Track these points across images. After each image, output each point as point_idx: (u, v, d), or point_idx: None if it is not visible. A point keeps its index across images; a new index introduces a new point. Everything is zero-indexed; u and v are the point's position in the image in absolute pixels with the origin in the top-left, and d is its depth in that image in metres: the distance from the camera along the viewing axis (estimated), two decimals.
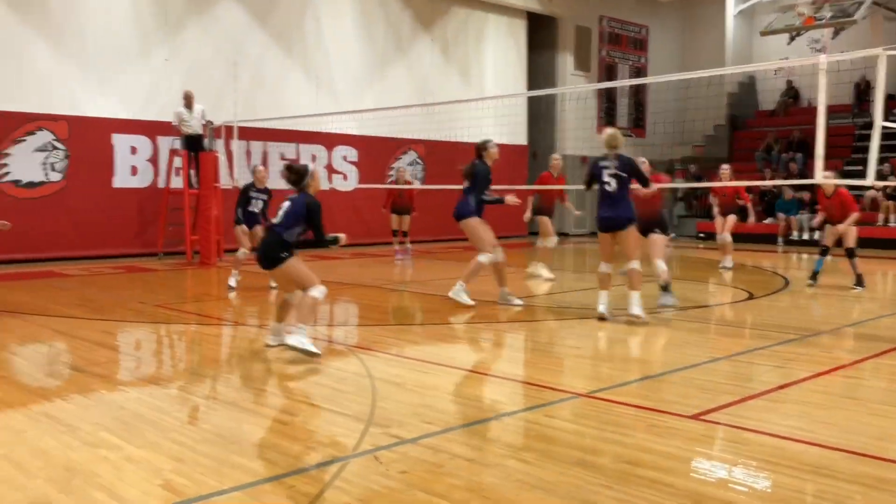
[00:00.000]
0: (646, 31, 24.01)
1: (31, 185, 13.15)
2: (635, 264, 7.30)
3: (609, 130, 7.51)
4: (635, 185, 7.51)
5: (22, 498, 3.24)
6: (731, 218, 12.31)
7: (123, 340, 7.09)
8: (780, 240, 17.92)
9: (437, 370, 5.77)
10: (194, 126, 13.54)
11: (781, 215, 18.26)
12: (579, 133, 20.33)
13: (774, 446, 3.91)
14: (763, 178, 18.61)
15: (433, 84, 18.64)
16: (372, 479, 3.46)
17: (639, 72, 23.78)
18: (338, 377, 5.48)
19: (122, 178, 14.10)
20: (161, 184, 14.39)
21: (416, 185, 16.95)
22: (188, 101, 13.48)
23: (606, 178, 7.31)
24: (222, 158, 14.12)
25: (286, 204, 5.98)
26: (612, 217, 7.34)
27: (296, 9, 16.37)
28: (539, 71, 21.68)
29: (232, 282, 9.75)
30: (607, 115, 22.98)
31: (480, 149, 8.48)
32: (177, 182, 14.20)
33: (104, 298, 9.32)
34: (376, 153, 17.71)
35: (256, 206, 9.87)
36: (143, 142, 14.31)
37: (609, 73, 22.95)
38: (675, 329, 7.34)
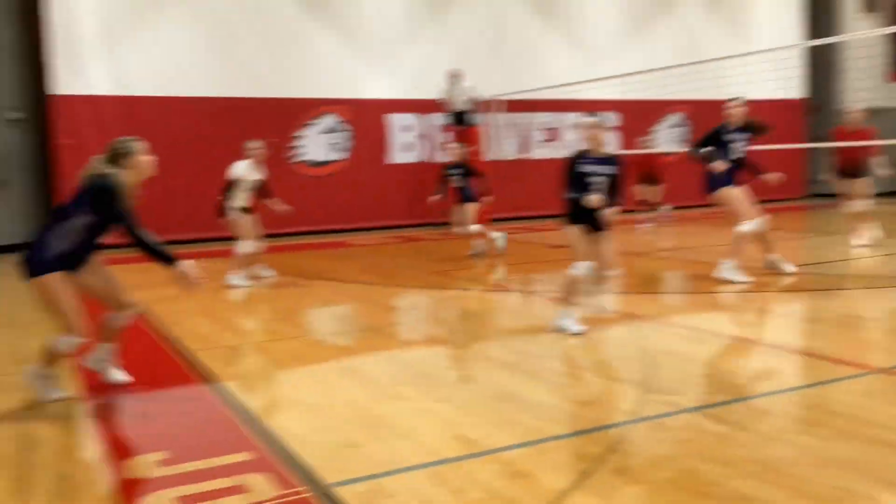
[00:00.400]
0: None
1: (320, 163, 14.58)
2: None
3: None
4: None
5: (338, 440, 3.68)
6: None
7: (408, 304, 7.69)
8: None
9: (715, 339, 5.60)
10: (460, 102, 14.16)
11: None
12: (867, 83, 18.29)
13: None
14: None
15: (698, 40, 17.75)
16: (656, 445, 3.49)
17: None
18: (613, 344, 5.53)
19: (396, 155, 15.15)
20: (430, 158, 15.26)
21: (658, 151, 16.31)
22: (455, 79, 14.10)
23: None
24: (487, 131, 14.63)
25: None
26: None
27: None
28: (818, 15, 19.74)
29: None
30: None
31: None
32: (445, 156, 14.95)
33: (388, 266, 10.15)
34: (639, 118, 17.28)
35: (456, 183, 10.47)
36: (414, 120, 15.24)
37: None
38: None
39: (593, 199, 5.51)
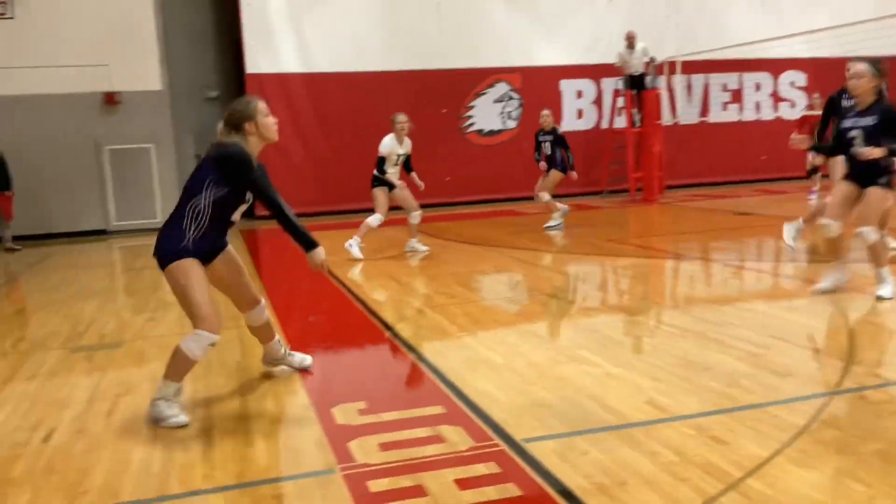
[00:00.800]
0: None
1: (491, 132, 14.69)
2: None
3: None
4: None
5: (527, 401, 3.76)
6: None
7: (583, 271, 7.66)
8: None
9: None
10: (636, 65, 13.75)
11: None
12: None
13: None
14: None
15: None
16: (861, 417, 3.30)
17: None
18: (811, 313, 5.26)
19: (569, 122, 14.97)
20: (604, 124, 14.97)
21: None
22: (630, 42, 13.72)
23: None
24: (664, 95, 14.15)
25: None
26: None
27: None
28: None
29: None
30: None
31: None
32: (619, 122, 14.64)
33: (558, 235, 10.12)
34: (828, 76, 16.04)
35: (546, 149, 10.21)
36: (587, 85, 15.00)
37: None
38: None
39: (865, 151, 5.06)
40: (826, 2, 15.85)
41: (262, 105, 3.85)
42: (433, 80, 14.26)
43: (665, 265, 7.81)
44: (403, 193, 8.50)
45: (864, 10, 15.32)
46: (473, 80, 14.52)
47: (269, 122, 3.84)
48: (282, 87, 13.61)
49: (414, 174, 8.65)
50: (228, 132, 3.80)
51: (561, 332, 5.13)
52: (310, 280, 7.17)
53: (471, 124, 14.62)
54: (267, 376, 4.37)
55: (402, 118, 8.34)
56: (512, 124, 14.81)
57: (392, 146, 8.32)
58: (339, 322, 5.85)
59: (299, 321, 5.97)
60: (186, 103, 13.88)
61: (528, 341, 4.87)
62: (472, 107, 14.59)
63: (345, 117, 13.89)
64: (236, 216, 3.91)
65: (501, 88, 14.69)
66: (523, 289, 6.93)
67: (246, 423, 3.65)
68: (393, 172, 8.42)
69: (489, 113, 14.67)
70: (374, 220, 8.45)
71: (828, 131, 7.51)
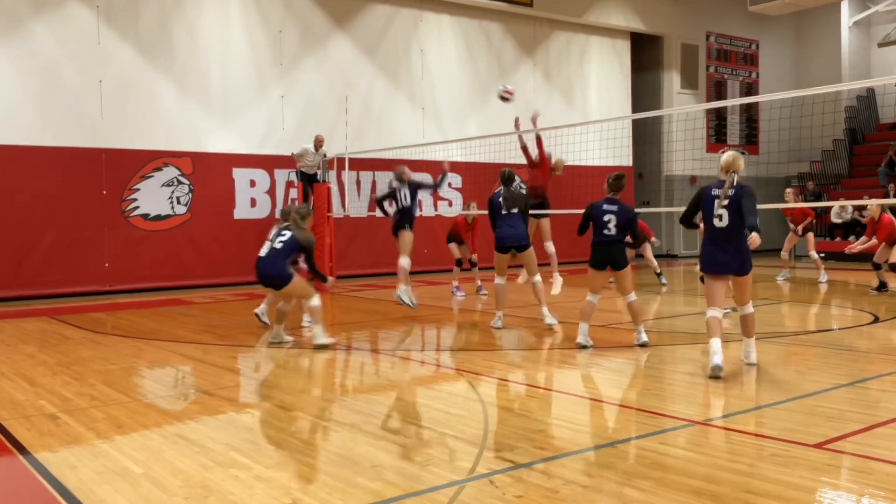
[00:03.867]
0: (756, 46, 23.36)
1: (158, 217, 14.00)
2: (750, 308, 6.54)
3: (729, 152, 6.34)
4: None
5: None
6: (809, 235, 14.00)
7: (246, 365, 7.45)
8: None
9: (547, 395, 5.79)
10: (312, 167, 14.18)
11: None
12: (688, 153, 19.94)
13: None
14: (886, 195, 17.69)
15: (536, 108, 18.73)
16: (488, 502, 3.53)
17: (750, 87, 23.13)
18: (449, 401, 5.60)
19: (242, 210, 14.82)
20: (278, 214, 15.01)
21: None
22: (318, 145, 14.10)
23: (718, 211, 6.16)
24: (334, 189, 14.65)
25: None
26: (726, 262, 6.26)
27: (402, 40, 16.87)
28: (644, 90, 21.45)
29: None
30: (717, 133, 22.44)
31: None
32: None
33: (228, 325, 9.81)
34: (480, 179, 17.89)
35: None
36: (261, 175, 15.03)
37: (718, 89, 22.45)
38: (797, 355, 7.09)
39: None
40: (478, 114, 17.80)
41: None
42: (93, 159, 13.31)
43: (332, 356, 7.89)
44: None
45: (508, 123, 17.52)
46: (139, 162, 13.80)
47: None
48: None
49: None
50: None
51: (214, 434, 4.88)
52: None
53: (135, 207, 13.80)
54: None
55: None
56: (181, 210, 14.25)
57: None
58: None
59: None
60: None
61: (176, 446, 4.56)
62: (136, 189, 13.81)
63: None
64: None
65: (170, 172, 14.14)
66: (181, 386, 6.54)
67: None
68: None
69: (156, 197, 13.99)
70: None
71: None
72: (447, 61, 17.57)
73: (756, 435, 4.55)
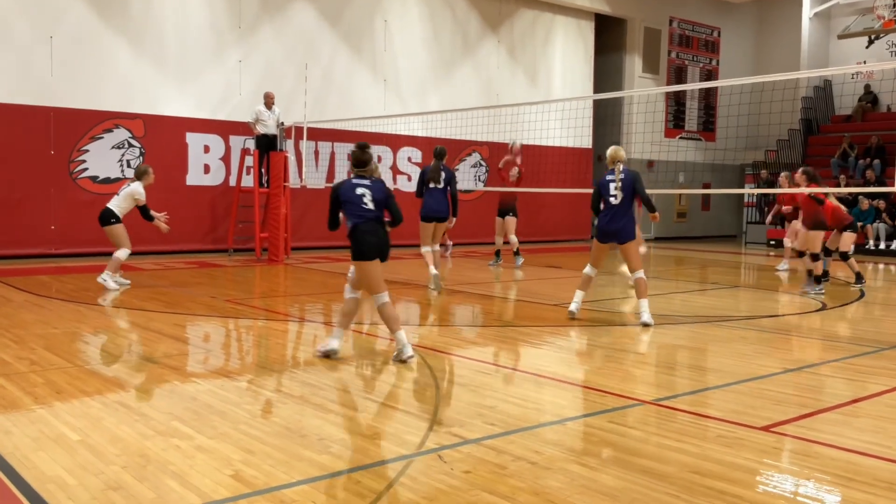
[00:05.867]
0: (717, 33, 23.54)
1: (107, 181, 13.60)
2: (640, 274, 7.70)
3: (612, 147, 7.89)
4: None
5: (99, 483, 3.36)
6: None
7: (194, 333, 7.29)
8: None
9: (499, 372, 5.77)
10: (270, 126, 13.85)
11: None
12: (647, 136, 20.07)
13: (847, 461, 3.80)
14: (838, 185, 18.04)
15: (499, 86, 18.68)
16: (436, 477, 3.49)
17: (710, 74, 23.33)
18: (401, 376, 5.54)
19: (195, 176, 14.49)
20: (232, 182, 14.73)
21: (477, 188, 17.01)
22: (269, 102, 13.80)
23: (613, 192, 7.64)
24: (292, 158, 14.40)
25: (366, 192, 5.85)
26: (615, 231, 7.67)
27: (366, 10, 16.58)
28: (606, 73, 21.48)
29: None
30: (675, 119, 22.63)
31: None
32: (247, 181, 14.54)
33: (176, 293, 9.60)
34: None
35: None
36: (216, 141, 14.68)
37: (679, 75, 22.59)
38: (745, 339, 7.18)
39: None
40: (440, 89, 17.64)
41: None
42: (41, 117, 12.85)
43: (282, 327, 7.76)
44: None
45: (470, 99, 17.41)
46: (88, 123, 13.37)
47: None
48: None
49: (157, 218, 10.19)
50: None
51: (156, 402, 4.75)
52: None
53: (84, 169, 13.39)
54: None
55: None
56: (130, 173, 13.86)
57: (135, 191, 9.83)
58: None
59: None
60: None
61: (116, 413, 4.42)
62: (85, 150, 13.39)
63: None
64: None
65: (121, 134, 13.73)
66: (125, 353, 6.36)
67: None
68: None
69: (106, 159, 13.58)
70: (122, 253, 9.83)
71: None
72: (411, 33, 17.33)
73: (703, 416, 4.58)
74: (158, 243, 13.95)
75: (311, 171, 15.41)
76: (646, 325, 7.51)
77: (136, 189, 9.83)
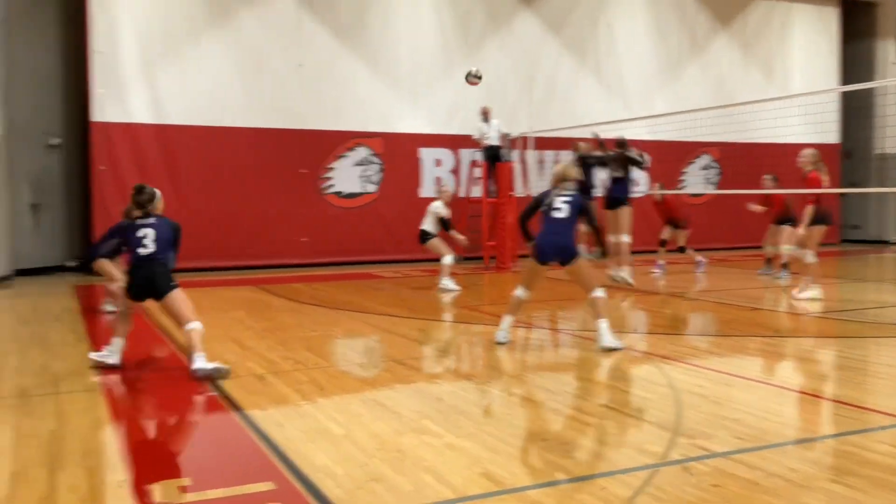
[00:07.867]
0: None
1: (351, 195, 14.70)
2: (600, 292, 6.78)
3: (559, 165, 7.41)
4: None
5: (363, 474, 3.67)
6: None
7: (435, 337, 7.68)
8: None
9: (743, 383, 5.52)
10: (492, 138, 14.25)
11: None
12: None
13: None
14: None
15: (731, 83, 17.80)
16: (684, 489, 3.43)
17: None
18: (640, 385, 5.48)
19: (427, 189, 15.23)
20: (462, 193, 15.31)
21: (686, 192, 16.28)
22: (486, 115, 14.23)
23: (559, 206, 6.80)
24: (517, 168, 14.70)
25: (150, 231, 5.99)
26: (562, 246, 6.77)
27: (589, 15, 16.54)
28: (854, 62, 19.72)
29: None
30: None
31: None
32: (476, 191, 15.05)
33: (415, 299, 10.15)
34: (668, 158, 17.26)
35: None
36: (446, 154, 15.35)
37: None
38: None
39: None
40: (666, 90, 17.16)
41: None
42: (293, 139, 14.18)
43: (515, 333, 7.94)
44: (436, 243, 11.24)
45: (698, 99, 16.75)
46: (334, 143, 14.54)
47: None
48: (130, 137, 13.10)
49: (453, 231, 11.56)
50: None
51: (406, 401, 5.08)
52: (143, 342, 6.81)
53: (330, 185, 14.58)
54: (83, 449, 4.04)
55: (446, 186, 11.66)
56: (372, 188, 14.88)
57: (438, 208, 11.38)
58: (168, 388, 5.54)
59: (128, 384, 5.61)
60: (25, 149, 13.05)
61: (372, 411, 4.79)
62: (332, 168, 14.57)
63: (198, 172, 13.52)
64: None
65: (362, 152, 14.78)
66: (374, 355, 6.86)
67: (49, 502, 3.34)
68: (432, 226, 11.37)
69: (349, 176, 14.69)
70: (450, 258, 11.03)
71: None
72: (635, 36, 17.04)
73: None
74: (394, 253, 14.84)
75: (535, 180, 15.62)
76: (609, 349, 6.47)
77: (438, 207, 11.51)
